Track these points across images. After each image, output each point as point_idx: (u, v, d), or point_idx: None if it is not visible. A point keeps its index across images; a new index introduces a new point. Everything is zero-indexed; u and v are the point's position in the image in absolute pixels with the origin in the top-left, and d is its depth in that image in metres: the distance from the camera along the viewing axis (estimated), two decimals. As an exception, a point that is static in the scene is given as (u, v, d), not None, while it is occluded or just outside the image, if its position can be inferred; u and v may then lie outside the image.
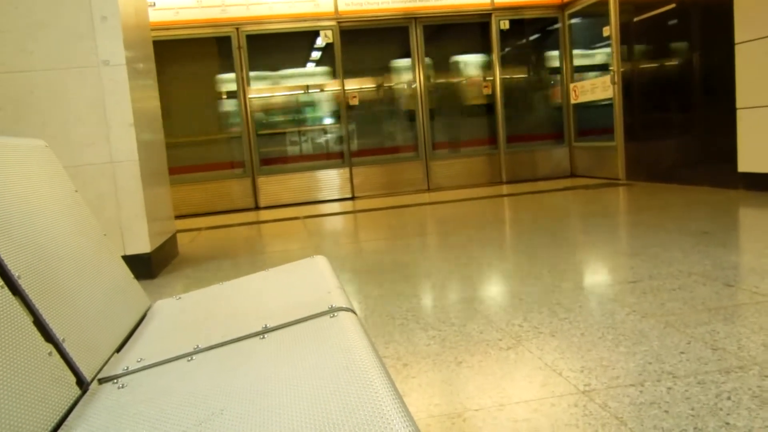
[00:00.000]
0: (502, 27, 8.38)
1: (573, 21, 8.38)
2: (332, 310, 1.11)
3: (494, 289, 2.88)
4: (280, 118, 8.35)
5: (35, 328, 1.01)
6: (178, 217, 7.45)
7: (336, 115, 8.34)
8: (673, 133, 6.51)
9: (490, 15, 8.35)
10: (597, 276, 2.96)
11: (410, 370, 1.96)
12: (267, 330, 1.10)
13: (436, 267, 3.48)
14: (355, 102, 8.34)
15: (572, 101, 8.45)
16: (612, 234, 4.02)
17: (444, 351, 2.11)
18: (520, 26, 8.59)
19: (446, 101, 8.70)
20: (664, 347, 1.96)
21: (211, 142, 8.17)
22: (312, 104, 8.44)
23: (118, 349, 1.31)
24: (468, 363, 1.98)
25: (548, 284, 2.87)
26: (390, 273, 3.42)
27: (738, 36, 5.33)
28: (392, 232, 4.94)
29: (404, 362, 2.04)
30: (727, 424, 1.46)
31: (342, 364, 0.83)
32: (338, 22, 8.05)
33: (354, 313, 1.11)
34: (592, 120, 8.21)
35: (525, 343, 2.12)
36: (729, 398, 1.58)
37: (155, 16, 7.47)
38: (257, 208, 8.07)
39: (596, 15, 7.72)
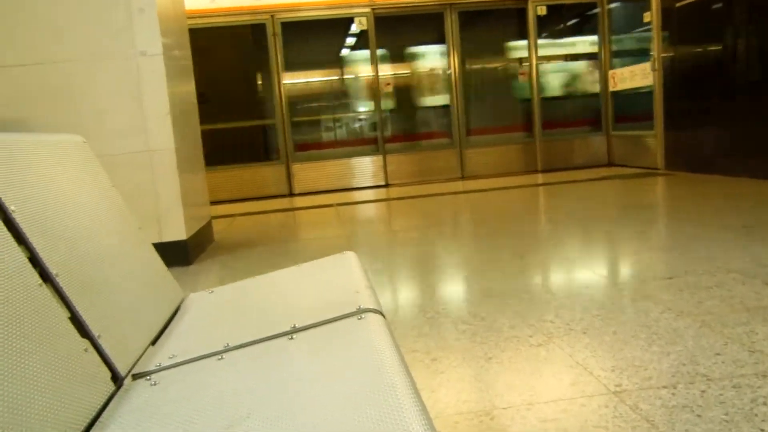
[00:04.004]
0: (539, 13, 8.23)
1: (612, 6, 8.19)
2: (360, 312, 1.11)
3: (525, 283, 2.86)
4: (314, 105, 8.38)
5: (71, 325, 1.04)
6: (213, 202, 7.56)
7: (370, 102, 8.33)
8: (715, 122, 6.33)
9: (527, 1, 8.21)
10: (632, 271, 2.91)
11: (439, 365, 1.96)
12: (296, 330, 1.11)
13: (468, 259, 3.47)
14: (389, 89, 8.32)
15: (611, 89, 8.28)
16: (648, 227, 3.95)
17: (474, 346, 2.11)
18: (557, 12, 8.43)
19: (481, 88, 8.61)
20: (699, 348, 1.93)
21: (246, 129, 8.25)
22: (346, 91, 8.44)
23: (154, 341, 1.34)
24: (498, 359, 1.97)
25: (582, 279, 2.84)
26: (422, 264, 3.42)
27: (786, 22, 5.14)
28: (425, 222, 4.94)
29: (433, 357, 2.04)
30: (762, 430, 1.42)
31: (367, 371, 0.84)
32: (373, 9, 8.01)
33: (381, 314, 1.11)
34: (631, 107, 8.03)
35: (556, 340, 2.10)
36: (765, 403, 1.54)
37: (191, 4, 7.53)
38: (291, 194, 8.14)
39: (637, 0, 7.52)
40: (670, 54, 6.95)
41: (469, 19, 8.39)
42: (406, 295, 2.85)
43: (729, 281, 2.60)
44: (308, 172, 8.15)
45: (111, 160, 3.78)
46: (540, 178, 7.68)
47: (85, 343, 1.06)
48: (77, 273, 1.15)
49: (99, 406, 0.98)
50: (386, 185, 8.25)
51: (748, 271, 2.71)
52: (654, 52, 7.13)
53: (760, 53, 5.61)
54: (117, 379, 1.08)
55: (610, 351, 1.96)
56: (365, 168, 8.25)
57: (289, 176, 8.13)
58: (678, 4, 6.73)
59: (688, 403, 1.58)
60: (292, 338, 1.08)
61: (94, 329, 1.10)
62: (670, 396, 1.63)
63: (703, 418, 1.50)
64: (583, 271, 2.97)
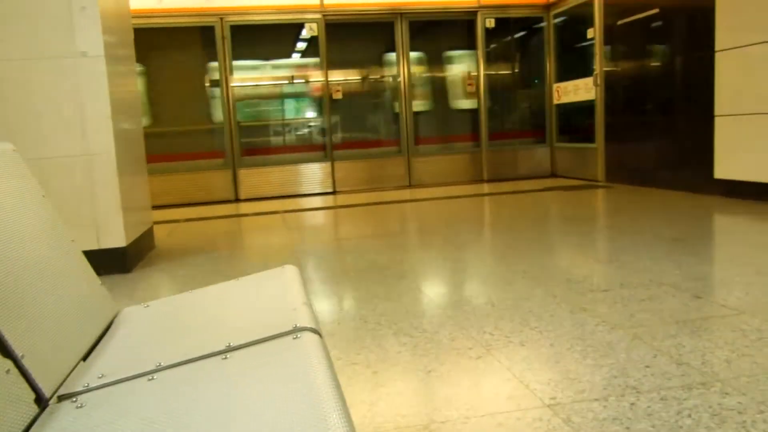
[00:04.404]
0: (487, 25, 8.39)
1: (558, 21, 8.41)
2: (296, 330, 1.11)
3: (467, 294, 2.90)
4: (262, 110, 8.30)
5: (-7, 345, 1.00)
6: (156, 207, 7.38)
7: (319, 108, 8.31)
8: (652, 136, 6.58)
9: (476, 13, 8.35)
10: (570, 283, 2.99)
11: (379, 378, 1.97)
12: (230, 349, 1.10)
13: (413, 269, 3.49)
14: (338, 95, 8.31)
15: (555, 101, 8.49)
16: (587, 238, 4.06)
17: (414, 359, 2.12)
18: (505, 25, 8.61)
19: (430, 97, 8.70)
20: (631, 360, 1.99)
21: (192, 132, 8.11)
22: (295, 96, 8.40)
23: (84, 358, 1.30)
24: (437, 372, 2.00)
25: (521, 291, 2.90)
26: (365, 273, 3.43)
27: (718, 44, 5.39)
28: (372, 230, 4.95)
29: (374, 370, 2.05)
30: (686, 442, 1.48)
31: (299, 394, 0.84)
32: (323, 15, 8.01)
33: (318, 333, 1.11)
34: (574, 121, 8.26)
35: (494, 352, 2.14)
36: (690, 416, 1.61)
37: (137, 3, 7.36)
38: (237, 200, 8.03)
39: (581, 16, 7.75)
40: (612, 69, 7.19)
41: (420, 28, 8.48)
42: (348, 305, 2.85)
43: (661, 294, 2.70)
44: (255, 178, 8.06)
45: (47, 163, 3.65)
46: (485, 187, 7.81)
47: (8, 364, 1.02)
48: (0, 289, 1.10)
49: (20, 431, 0.95)
50: (334, 192, 8.23)
51: (679, 285, 2.83)
52: (596, 68, 7.36)
53: (693, 72, 5.86)
54: (41, 401, 1.04)
55: (546, 363, 2.01)
56: (313, 174, 8.21)
57: (235, 181, 8.02)
58: (619, 22, 6.97)
59: (618, 415, 1.64)
60: (225, 358, 1.07)
61: (18, 349, 1.06)
62: (602, 408, 1.68)
63: (632, 430, 1.55)
64: (523, 282, 3.03)
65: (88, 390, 1.07)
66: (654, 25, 6.43)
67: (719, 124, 5.45)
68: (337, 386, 0.87)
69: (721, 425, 1.55)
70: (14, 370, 1.02)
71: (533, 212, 5.44)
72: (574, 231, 4.36)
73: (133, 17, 4.89)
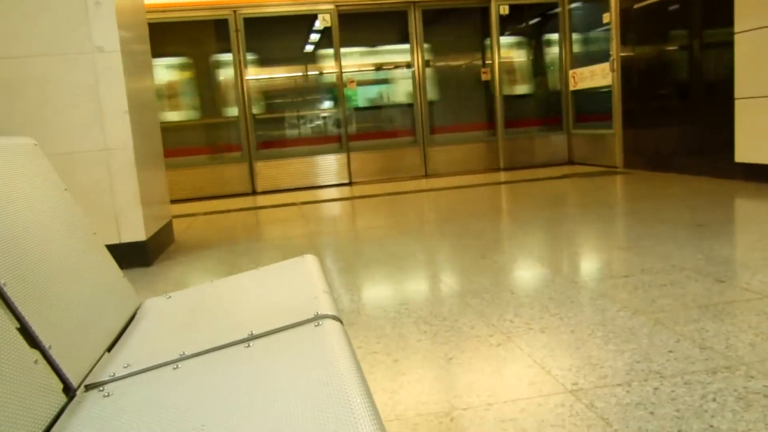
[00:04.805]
0: (501, 12, 8.31)
1: (573, 6, 8.32)
2: (317, 318, 1.11)
3: (487, 282, 2.89)
4: (277, 102, 8.31)
5: (20, 336, 1.02)
6: (174, 201, 7.44)
7: (334, 99, 8.30)
8: (671, 121, 6.49)
9: (489, 0, 8.28)
10: (590, 270, 2.97)
11: (400, 366, 1.97)
12: (252, 337, 1.11)
13: (431, 258, 3.49)
14: (353, 86, 8.30)
15: (571, 88, 8.41)
16: (607, 225, 4.03)
17: (435, 347, 2.12)
18: (519, 11, 8.52)
19: (445, 86, 8.66)
20: (653, 345, 1.98)
21: (208, 126, 8.15)
22: (309, 88, 8.40)
23: (109, 349, 1.31)
24: (458, 359, 1.99)
25: (541, 278, 2.88)
26: (383, 263, 3.43)
27: (738, 25, 5.30)
28: (389, 220, 4.95)
29: (394, 358, 2.05)
30: (711, 426, 1.47)
31: (322, 381, 0.84)
32: (336, 6, 7.98)
33: (339, 321, 1.11)
34: (591, 107, 8.18)
35: (515, 339, 2.13)
36: (714, 400, 1.59)
37: (151, -1, 7.41)
38: (254, 192, 8.07)
39: (596, 1, 7.65)
40: (629, 54, 7.10)
41: (433, 17, 8.43)
42: (368, 294, 2.85)
43: (682, 279, 2.67)
44: (271, 170, 8.08)
45: (68, 158, 3.69)
46: (502, 176, 7.77)
47: (36, 354, 1.03)
48: (27, 281, 1.12)
49: (50, 420, 0.96)
50: (350, 183, 8.24)
51: (701, 269, 2.79)
52: (613, 53, 7.27)
53: (712, 55, 5.77)
54: (69, 391, 1.06)
55: (567, 350, 2.00)
56: (329, 166, 8.22)
57: (252, 174, 8.05)
58: (636, 6, 6.87)
59: (642, 400, 1.63)
60: (248, 346, 1.07)
61: (45, 340, 1.07)
62: (625, 394, 1.67)
63: (656, 415, 1.54)
64: (543, 270, 3.02)
65: (115, 379, 1.08)
66: (671, 8, 6.33)
67: (740, 107, 5.37)
68: (360, 372, 0.87)
69: (747, 409, 1.53)
70: (42, 361, 1.04)
71: (551, 199, 5.40)
72: (593, 217, 4.33)
73: (147, 12, 4.91)
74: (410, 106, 8.48)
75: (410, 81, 8.43)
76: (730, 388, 1.65)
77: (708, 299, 2.38)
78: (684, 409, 1.56)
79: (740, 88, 5.35)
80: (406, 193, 6.73)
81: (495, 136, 8.56)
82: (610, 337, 2.08)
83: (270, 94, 8.27)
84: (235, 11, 7.79)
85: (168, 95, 7.96)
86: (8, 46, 3.58)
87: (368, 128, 8.48)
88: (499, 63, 8.43)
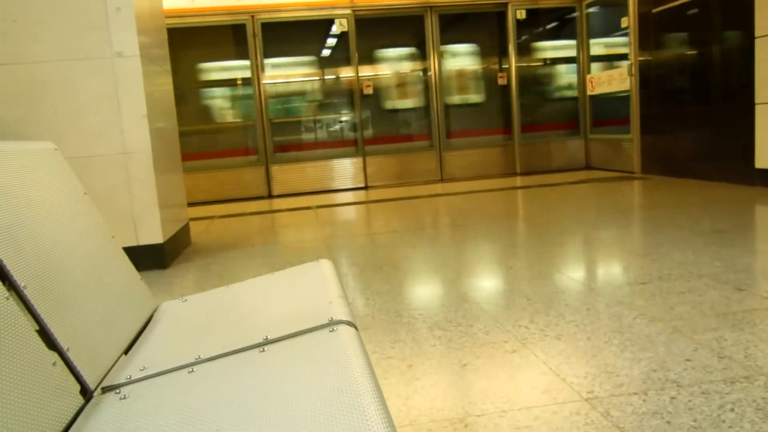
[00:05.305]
0: (518, 17, 8.29)
1: (591, 11, 8.27)
2: (332, 323, 1.11)
3: (502, 288, 2.88)
4: (294, 106, 8.35)
5: (39, 338, 1.03)
6: (190, 204, 7.50)
7: (350, 103, 8.33)
8: (690, 126, 6.43)
9: (506, 4, 8.27)
10: (606, 276, 2.95)
11: (414, 372, 1.97)
12: (267, 342, 1.11)
13: (446, 263, 3.48)
14: (369, 91, 8.32)
15: (589, 92, 8.36)
16: (624, 231, 4.00)
17: (449, 352, 2.12)
18: (536, 16, 8.50)
19: (461, 91, 8.64)
20: (670, 354, 1.96)
21: (225, 130, 8.20)
22: (326, 93, 8.43)
23: (126, 351, 1.33)
24: (472, 365, 1.99)
25: (557, 284, 2.87)
26: (398, 268, 3.43)
27: (758, 29, 5.24)
28: (404, 225, 4.95)
29: (409, 363, 2.05)
30: (729, 437, 1.45)
31: (336, 386, 0.84)
32: (353, 11, 8.01)
33: (354, 326, 1.11)
34: (609, 111, 8.13)
35: (530, 346, 2.12)
36: (732, 410, 1.57)
37: (170, 3, 7.48)
38: (270, 196, 8.11)
39: (614, 5, 7.61)
40: (647, 59, 7.05)
41: (450, 22, 8.43)
42: (383, 299, 2.85)
43: (701, 286, 2.64)
44: (287, 174, 8.12)
45: (87, 162, 3.74)
46: (518, 180, 7.74)
47: (54, 356, 1.05)
48: (46, 284, 1.14)
49: (67, 421, 0.97)
50: (365, 187, 8.25)
51: (720, 277, 2.76)
52: (631, 58, 7.22)
53: (731, 60, 5.70)
54: (86, 393, 1.07)
55: (583, 357, 1.99)
56: (345, 170, 8.24)
57: (268, 178, 8.10)
58: (654, 10, 6.82)
59: (658, 409, 1.61)
60: (263, 350, 1.08)
61: (63, 342, 1.09)
62: (641, 402, 1.65)
63: (673, 424, 1.53)
64: (558, 276, 3.00)
65: (131, 382, 1.09)
66: (690, 12, 6.28)
67: (760, 112, 5.30)
68: (374, 378, 0.87)
69: (766, 420, 1.51)
70: (60, 363, 1.05)
71: (568, 205, 5.37)
72: (610, 223, 4.29)
73: (165, 17, 4.97)
74: (426, 109, 8.48)
75: (426, 85, 8.43)
76: (748, 398, 1.63)
77: (727, 307, 2.36)
78: (701, 419, 1.54)
79: (761, 92, 5.28)
80: (421, 197, 6.73)
81: (511, 141, 8.54)
82: (626, 345, 2.06)
83: (286, 98, 8.31)
84: (252, 16, 7.84)
85: (186, 99, 8.03)
86: (29, 51, 3.64)
87: (384, 132, 8.49)
88: (516, 67, 8.40)
